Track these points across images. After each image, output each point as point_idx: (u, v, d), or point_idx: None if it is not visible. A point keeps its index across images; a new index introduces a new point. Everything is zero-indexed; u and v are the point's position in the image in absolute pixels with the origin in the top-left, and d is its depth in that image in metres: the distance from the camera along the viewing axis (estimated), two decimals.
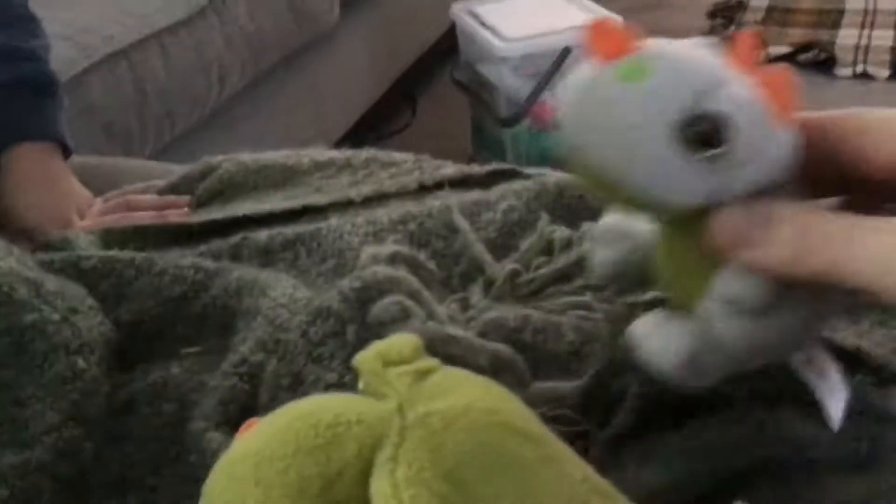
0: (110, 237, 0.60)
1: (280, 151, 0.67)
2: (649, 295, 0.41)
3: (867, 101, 2.07)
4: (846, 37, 2.28)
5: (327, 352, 0.41)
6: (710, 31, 2.44)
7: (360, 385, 0.29)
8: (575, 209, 0.54)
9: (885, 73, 2.15)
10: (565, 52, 1.72)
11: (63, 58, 1.09)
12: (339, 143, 1.67)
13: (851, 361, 0.39)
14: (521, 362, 0.40)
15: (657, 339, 0.34)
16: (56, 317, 0.44)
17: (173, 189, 0.69)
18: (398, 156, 0.65)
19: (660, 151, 0.29)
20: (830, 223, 0.29)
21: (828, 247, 0.29)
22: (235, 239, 0.56)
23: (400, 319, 0.41)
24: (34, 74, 0.75)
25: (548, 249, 0.51)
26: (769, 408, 0.37)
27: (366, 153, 0.66)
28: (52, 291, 0.45)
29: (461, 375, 0.29)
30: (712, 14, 2.53)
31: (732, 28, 2.41)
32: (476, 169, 0.62)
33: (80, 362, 0.43)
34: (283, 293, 0.46)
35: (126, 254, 0.52)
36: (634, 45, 0.31)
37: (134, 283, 0.50)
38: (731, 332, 0.32)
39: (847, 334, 0.40)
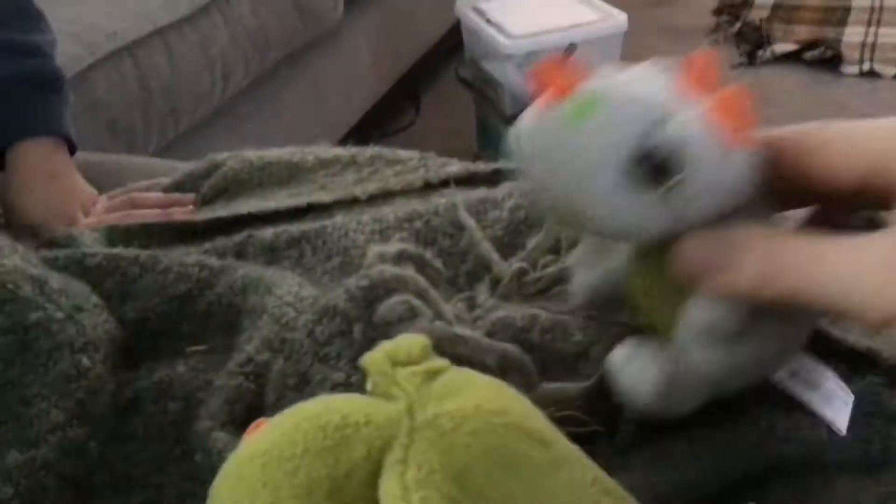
0: (115, 234, 0.60)
1: (285, 149, 0.67)
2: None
3: (874, 99, 2.06)
4: (852, 34, 2.27)
5: (334, 351, 0.40)
6: (716, 28, 2.44)
7: (368, 386, 0.28)
8: None
9: (892, 70, 2.14)
10: (571, 48, 1.71)
11: (67, 54, 1.09)
12: (343, 141, 1.67)
13: (862, 362, 0.39)
14: (529, 362, 0.39)
15: (633, 370, 0.34)
16: (60, 315, 0.44)
17: (178, 186, 0.69)
18: (403, 153, 0.65)
19: (613, 188, 0.29)
20: (793, 244, 0.29)
21: (792, 269, 0.29)
22: (240, 237, 0.56)
23: (407, 319, 0.40)
24: (37, 70, 0.75)
25: (555, 248, 0.50)
26: (779, 410, 0.37)
27: (371, 151, 0.65)
28: (57, 289, 0.45)
29: (470, 376, 0.29)
30: (718, 11, 2.52)
31: (738, 25, 2.41)
32: (482, 166, 0.62)
33: (85, 360, 0.43)
34: (289, 291, 0.46)
35: (131, 251, 0.52)
36: (586, 78, 0.31)
37: (139, 281, 0.50)
38: (706, 359, 0.32)
39: (858, 335, 0.40)
